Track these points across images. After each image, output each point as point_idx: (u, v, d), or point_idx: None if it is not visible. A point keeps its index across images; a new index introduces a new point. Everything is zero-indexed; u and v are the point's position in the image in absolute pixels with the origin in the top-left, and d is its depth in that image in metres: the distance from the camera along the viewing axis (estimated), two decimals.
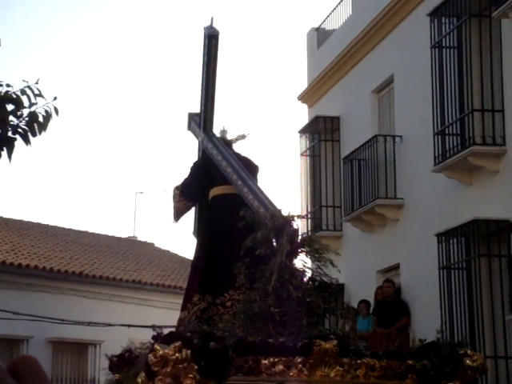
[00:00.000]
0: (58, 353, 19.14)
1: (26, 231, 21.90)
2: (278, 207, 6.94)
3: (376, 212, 13.88)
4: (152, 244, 26.04)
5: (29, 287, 18.78)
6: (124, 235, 25.91)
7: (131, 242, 25.11)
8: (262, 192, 7.50)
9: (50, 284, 19.08)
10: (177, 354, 5.51)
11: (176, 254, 24.93)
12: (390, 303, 12.92)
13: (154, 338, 5.75)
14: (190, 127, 8.77)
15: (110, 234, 25.26)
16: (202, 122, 8.47)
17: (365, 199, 14.14)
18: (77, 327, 17.84)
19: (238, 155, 8.19)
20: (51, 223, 23.87)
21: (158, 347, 5.56)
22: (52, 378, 18.81)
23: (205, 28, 8.39)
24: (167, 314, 15.65)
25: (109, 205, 36.30)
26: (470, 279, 11.13)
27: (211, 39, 8.27)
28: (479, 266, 10.98)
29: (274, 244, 6.51)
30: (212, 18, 8.32)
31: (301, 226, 16.30)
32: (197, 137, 8.60)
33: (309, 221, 16.35)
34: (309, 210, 16.43)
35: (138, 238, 26.10)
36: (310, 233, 16.06)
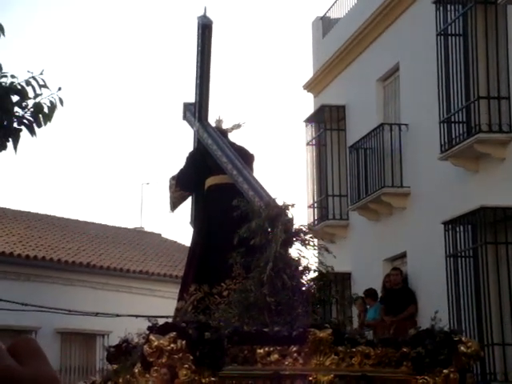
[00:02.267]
0: (66, 343, 19.21)
1: (33, 223, 21.95)
2: (273, 196, 6.93)
3: (382, 201, 13.87)
4: (159, 234, 26.07)
5: (37, 278, 18.84)
6: (131, 226, 25.97)
7: (138, 233, 25.15)
8: (256, 181, 7.51)
9: (58, 275, 19.14)
10: (172, 345, 5.54)
11: (183, 245, 24.93)
12: (398, 291, 12.92)
13: (149, 328, 5.76)
14: (185, 117, 8.79)
15: (117, 225, 25.31)
16: (196, 111, 8.48)
17: (371, 188, 14.12)
18: (85, 318, 17.90)
19: (233, 144, 8.20)
20: (58, 214, 23.94)
21: (154, 338, 5.58)
22: (60, 368, 18.88)
23: (198, 18, 8.41)
24: (174, 304, 15.66)
25: (116, 196, 36.41)
26: (476, 267, 11.12)
27: (205, 29, 8.29)
28: (486, 254, 10.96)
29: (269, 233, 6.50)
30: (205, 8, 8.34)
31: (307, 215, 16.44)
32: (192, 126, 8.62)
33: (315, 210, 16.34)
34: (315, 199, 16.42)
35: (145, 229, 26.14)
36: (316, 222, 16.07)
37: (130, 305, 18.63)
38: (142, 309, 17.19)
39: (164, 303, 18.39)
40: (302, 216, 16.33)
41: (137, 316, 15.84)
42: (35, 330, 18.30)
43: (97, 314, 17.60)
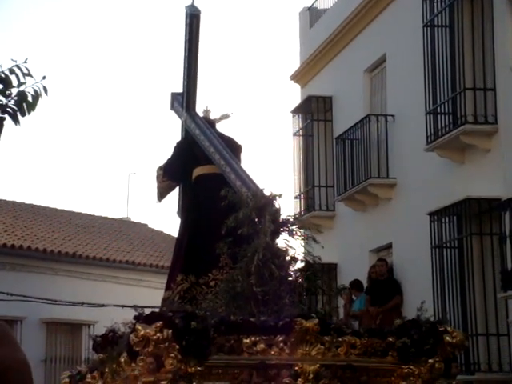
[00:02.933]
0: (51, 333, 19.18)
1: (19, 212, 21.87)
2: (260, 186, 6.94)
3: (368, 191, 13.91)
4: (145, 225, 26.04)
5: (22, 268, 18.79)
6: (117, 216, 25.91)
7: (125, 223, 25.11)
8: (244, 171, 7.52)
9: (44, 265, 19.09)
10: (158, 334, 5.54)
11: (169, 235, 24.93)
12: (383, 282, 12.97)
13: (135, 318, 5.77)
14: (173, 107, 8.77)
15: (103, 215, 25.26)
16: (184, 101, 8.47)
17: (357, 179, 14.16)
18: (70, 308, 17.88)
19: (221, 135, 8.20)
20: (44, 204, 23.86)
21: (140, 327, 5.59)
22: (46, 358, 18.87)
23: (186, 7, 8.39)
24: (161, 294, 15.65)
25: (102, 186, 36.30)
26: (461, 258, 11.19)
27: (192, 18, 8.27)
28: (471, 245, 11.03)
29: (257, 223, 6.50)
30: None
31: (294, 205, 16.46)
32: (180, 117, 8.61)
33: (302, 201, 16.37)
34: (301, 190, 16.45)
35: (132, 219, 26.10)
36: (303, 213, 16.10)
37: (116, 295, 18.62)
38: (128, 299, 17.17)
39: (150, 293, 18.40)
40: (288, 207, 16.35)
41: (123, 306, 15.83)
42: (21, 319, 18.27)
43: (82, 304, 17.58)
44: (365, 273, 13.53)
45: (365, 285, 13.38)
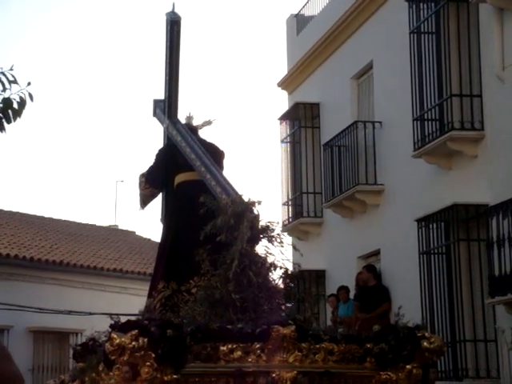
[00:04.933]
0: (38, 342, 19.08)
1: (6, 220, 21.77)
2: (240, 193, 6.92)
3: (356, 198, 13.91)
4: (133, 232, 25.97)
5: (9, 277, 18.68)
6: (105, 224, 25.87)
7: (112, 231, 25.04)
8: (224, 178, 7.52)
9: (31, 273, 19.00)
10: (134, 343, 5.51)
11: (157, 243, 24.86)
12: (372, 289, 12.97)
13: (111, 326, 5.73)
14: (155, 114, 8.77)
15: (90, 223, 25.18)
16: (166, 108, 8.46)
17: (345, 185, 14.16)
18: (58, 316, 17.78)
19: (203, 141, 8.20)
20: (31, 212, 23.78)
21: (115, 336, 5.55)
22: (33, 367, 18.76)
23: (167, 14, 8.38)
24: None
25: (90, 193, 36.19)
26: (449, 264, 11.19)
27: (173, 25, 8.27)
28: (459, 251, 11.03)
29: (235, 230, 6.48)
30: (174, 4, 8.32)
31: (282, 212, 16.45)
32: (162, 123, 8.60)
33: (290, 207, 16.36)
34: (289, 196, 16.44)
35: (119, 227, 26.03)
36: (291, 219, 16.08)
37: (104, 303, 18.53)
38: (115, 307, 17.10)
39: (138, 301, 18.23)
40: (276, 213, 16.35)
41: (110, 314, 15.74)
42: (7, 328, 18.16)
43: (70, 312, 17.49)
44: (353, 279, 13.52)
45: (352, 291, 13.37)
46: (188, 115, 8.53)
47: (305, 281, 13.80)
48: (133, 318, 6.14)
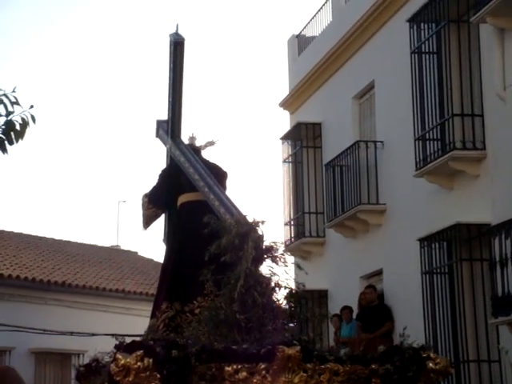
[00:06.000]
0: (40, 363, 18.99)
1: (7, 241, 21.75)
2: (244, 214, 6.93)
3: (358, 218, 13.90)
4: (135, 253, 25.94)
5: (11, 297, 18.63)
6: (107, 244, 25.83)
7: (114, 251, 25.00)
8: (228, 199, 7.53)
9: (33, 294, 18.94)
10: (139, 363, 5.50)
11: (159, 263, 24.79)
12: (374, 308, 12.94)
13: (116, 347, 5.71)
14: (158, 134, 8.81)
15: (92, 243, 25.15)
16: (169, 129, 8.50)
17: (347, 205, 14.16)
18: (60, 337, 17.71)
19: (206, 162, 8.23)
20: (33, 233, 23.75)
21: (120, 356, 5.53)
22: None
23: (170, 35, 8.43)
24: None
25: (92, 214, 36.18)
26: (452, 283, 11.16)
27: (176, 46, 8.32)
28: (461, 270, 11.01)
29: (240, 250, 6.48)
30: (177, 25, 8.38)
31: (284, 232, 16.43)
32: (165, 144, 8.63)
33: (292, 227, 16.35)
34: (291, 216, 16.43)
35: (122, 247, 26.00)
36: (293, 239, 16.06)
37: (106, 324, 18.46)
38: (118, 327, 17.00)
39: (140, 322, 18.21)
40: (278, 233, 16.34)
41: (113, 335, 15.68)
42: (9, 349, 18.09)
43: (72, 334, 17.42)
44: (355, 299, 13.49)
45: (355, 311, 13.33)
46: (191, 136, 8.57)
47: (307, 301, 13.76)
48: (137, 338, 6.12)
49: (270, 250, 6.52)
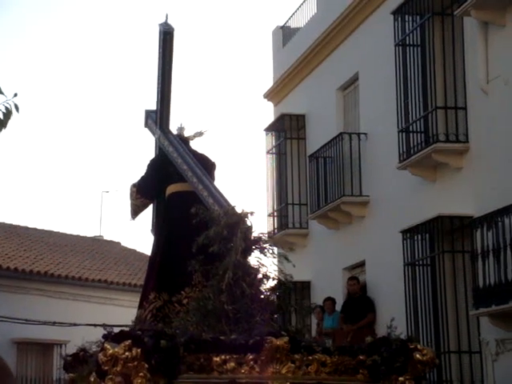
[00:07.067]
0: (22, 353, 18.96)
1: None
2: (232, 204, 6.94)
3: (342, 209, 13.94)
4: (118, 243, 25.91)
5: None
6: (90, 234, 25.76)
7: (97, 242, 24.96)
8: (216, 189, 7.53)
9: (15, 284, 18.90)
10: (127, 353, 5.50)
11: (143, 253, 24.82)
12: (357, 300, 12.99)
13: (104, 336, 5.72)
14: (146, 124, 8.79)
15: (75, 234, 25.10)
16: (158, 119, 8.48)
17: (330, 197, 14.20)
18: (42, 327, 17.70)
19: (194, 152, 8.22)
20: (15, 223, 23.67)
21: (108, 346, 5.54)
22: (17, 378, 18.65)
23: (160, 25, 8.41)
24: (134, 312, 15.55)
25: (75, 204, 36.05)
26: (434, 275, 11.23)
27: (166, 36, 8.30)
28: (443, 262, 11.08)
29: (228, 241, 6.49)
30: (167, 15, 8.35)
31: (267, 223, 16.46)
32: (153, 134, 8.62)
33: (275, 219, 16.38)
34: (275, 207, 16.46)
35: (105, 237, 25.95)
36: (276, 230, 16.09)
37: (89, 314, 18.46)
38: (100, 318, 17.02)
39: (123, 312, 18.24)
40: (261, 225, 16.36)
41: (95, 325, 15.68)
42: None
43: (54, 324, 17.40)
44: (338, 290, 13.53)
45: (339, 302, 13.38)
46: (179, 126, 8.55)
47: (292, 292, 13.81)
48: (120, 329, 6.12)
49: (258, 242, 6.53)
